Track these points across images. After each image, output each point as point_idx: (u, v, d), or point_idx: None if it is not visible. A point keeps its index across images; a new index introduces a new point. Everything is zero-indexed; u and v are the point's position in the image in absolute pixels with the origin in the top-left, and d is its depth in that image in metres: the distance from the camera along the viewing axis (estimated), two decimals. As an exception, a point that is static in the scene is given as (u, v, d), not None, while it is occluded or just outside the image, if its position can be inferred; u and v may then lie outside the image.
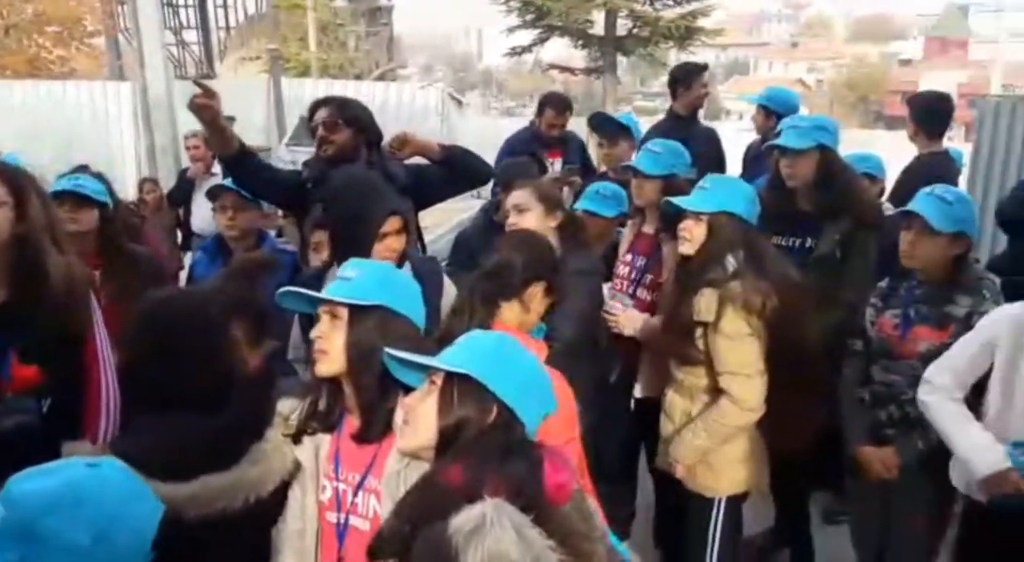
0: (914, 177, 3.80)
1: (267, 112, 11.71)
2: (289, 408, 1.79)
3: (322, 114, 3.02)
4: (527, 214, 2.71)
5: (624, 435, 3.18)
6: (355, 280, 1.69)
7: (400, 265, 2.43)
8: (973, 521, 2.32)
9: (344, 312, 1.66)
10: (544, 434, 1.52)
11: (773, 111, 4.40)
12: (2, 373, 1.87)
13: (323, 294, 1.70)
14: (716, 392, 2.51)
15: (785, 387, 2.50)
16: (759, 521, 3.50)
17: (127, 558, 1.27)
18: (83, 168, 3.18)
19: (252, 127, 8.68)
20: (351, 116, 3.00)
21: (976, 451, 2.22)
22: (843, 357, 2.74)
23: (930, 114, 4.15)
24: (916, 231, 2.46)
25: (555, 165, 4.64)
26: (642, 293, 3.07)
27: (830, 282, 2.89)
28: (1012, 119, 6.55)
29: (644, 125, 4.65)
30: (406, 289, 1.75)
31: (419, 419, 1.43)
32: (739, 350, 2.45)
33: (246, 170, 2.94)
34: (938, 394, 2.33)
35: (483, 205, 4.05)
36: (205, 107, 2.70)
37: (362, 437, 1.67)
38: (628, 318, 2.90)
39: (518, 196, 2.77)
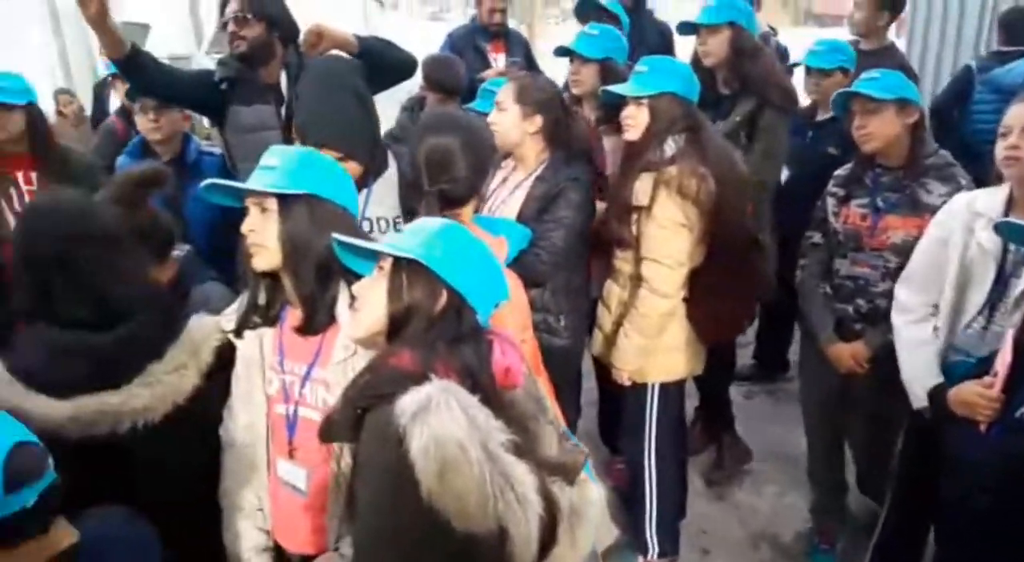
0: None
1: (185, 18, 10.88)
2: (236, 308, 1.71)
3: (232, 7, 2.79)
4: (504, 114, 2.45)
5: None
6: (279, 168, 1.57)
7: None
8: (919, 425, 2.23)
9: (273, 203, 1.56)
10: (498, 324, 1.49)
11: None
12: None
13: (248, 184, 1.58)
14: (638, 280, 2.44)
15: (720, 277, 2.47)
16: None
17: None
18: None
19: (169, 34, 8.04)
20: (260, 9, 2.77)
21: (916, 380, 2.15)
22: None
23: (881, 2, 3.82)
24: (861, 109, 2.42)
25: (499, 60, 4.35)
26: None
27: None
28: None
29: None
30: (333, 175, 1.64)
31: (369, 305, 1.38)
32: (667, 239, 2.38)
33: (141, 71, 2.71)
34: (903, 316, 2.24)
35: (404, 103, 3.76)
36: (88, 3, 2.44)
37: (306, 329, 1.60)
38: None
39: (500, 93, 2.51)
